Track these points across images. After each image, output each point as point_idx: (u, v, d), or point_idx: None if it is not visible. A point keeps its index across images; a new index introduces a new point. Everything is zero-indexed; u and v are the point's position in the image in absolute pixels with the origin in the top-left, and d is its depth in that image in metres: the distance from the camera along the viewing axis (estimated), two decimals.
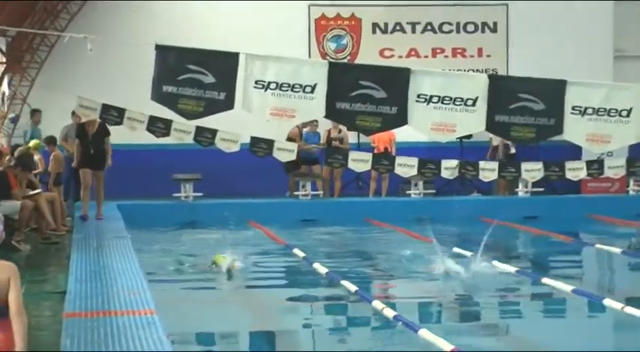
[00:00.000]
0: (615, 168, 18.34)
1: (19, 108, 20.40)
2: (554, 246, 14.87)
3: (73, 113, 17.06)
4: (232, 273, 11.11)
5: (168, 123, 16.36)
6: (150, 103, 16.01)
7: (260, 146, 17.32)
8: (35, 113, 19.07)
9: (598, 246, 14.23)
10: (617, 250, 13.72)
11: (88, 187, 15.45)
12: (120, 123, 16.11)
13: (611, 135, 17.03)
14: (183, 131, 16.54)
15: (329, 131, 19.82)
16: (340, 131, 19.64)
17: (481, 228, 16.91)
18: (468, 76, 19.27)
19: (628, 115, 16.95)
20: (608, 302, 9.29)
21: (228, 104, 16.06)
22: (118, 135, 16.95)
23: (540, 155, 19.51)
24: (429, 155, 18.90)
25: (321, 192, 19.30)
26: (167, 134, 16.50)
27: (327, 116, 16.89)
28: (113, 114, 15.97)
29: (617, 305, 9.07)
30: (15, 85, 20.71)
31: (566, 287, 10.25)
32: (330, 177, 19.76)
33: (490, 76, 18.29)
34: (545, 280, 10.77)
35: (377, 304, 9.29)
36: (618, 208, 18.29)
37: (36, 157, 16.41)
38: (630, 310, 8.85)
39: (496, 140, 20.54)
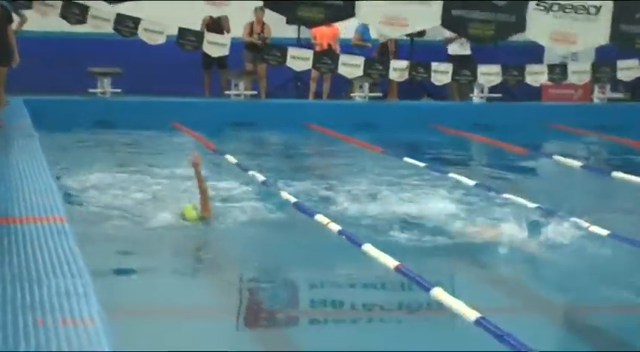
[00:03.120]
0: (579, 73, 18.37)
1: None
2: (510, 158, 14.84)
3: None
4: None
5: (84, 8, 15.89)
6: None
7: (188, 39, 17.00)
8: None
9: (557, 158, 14.22)
10: (577, 163, 13.72)
11: None
12: (29, 7, 15.60)
13: (578, 34, 16.96)
14: (101, 18, 16.14)
15: (251, 24, 19.24)
16: (263, 26, 19.14)
17: (432, 135, 16.97)
18: None
19: (597, 13, 16.86)
20: (574, 220, 9.27)
21: None
22: (29, 21, 16.47)
23: (499, 57, 19.38)
24: (372, 53, 18.74)
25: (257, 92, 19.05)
26: (83, 21, 16.08)
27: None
28: None
29: (584, 224, 9.09)
30: None
31: (528, 203, 10.22)
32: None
33: None
34: (505, 195, 10.73)
35: (320, 218, 9.23)
36: (581, 117, 18.28)
37: None
38: (596, 229, 8.87)
39: (384, 37, 20.02)
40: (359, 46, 19.97)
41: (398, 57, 19.19)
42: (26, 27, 16.60)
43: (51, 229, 6.89)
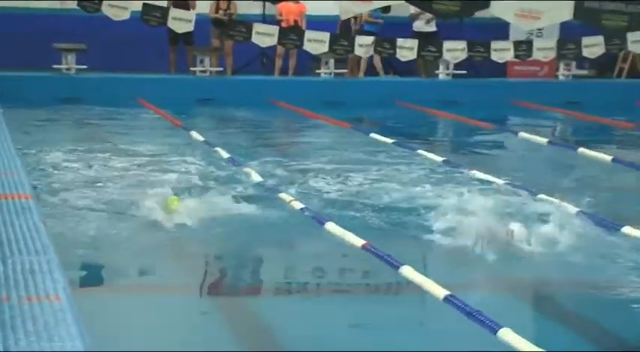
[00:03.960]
0: (545, 49, 18.41)
1: None
2: (476, 134, 14.86)
3: None
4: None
5: None
6: None
7: (153, 15, 16.89)
8: None
9: (522, 134, 14.25)
10: (542, 140, 13.76)
11: None
12: None
13: (542, 10, 16.99)
14: None
15: (217, 1, 19.10)
16: (229, 2, 19.03)
17: (398, 112, 16.98)
18: None
19: None
20: (542, 196, 9.30)
21: None
22: None
23: (464, 33, 19.39)
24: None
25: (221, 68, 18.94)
26: None
27: None
28: None
29: (552, 200, 9.10)
30: None
31: (496, 180, 10.23)
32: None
33: None
34: (473, 172, 10.73)
35: (284, 196, 9.18)
36: (546, 94, 18.36)
37: None
38: (565, 205, 8.87)
39: (347, 13, 19.89)
40: (370, 22, 19.90)
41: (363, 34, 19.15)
42: None
43: (16, 206, 6.80)
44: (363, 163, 11.50)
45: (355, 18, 19.90)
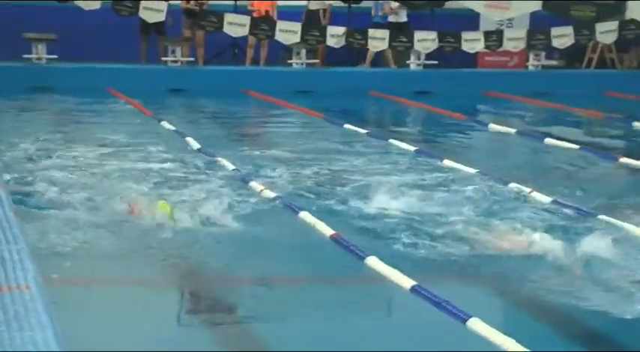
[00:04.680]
0: (515, 40, 18.48)
1: None
2: (447, 124, 14.92)
3: None
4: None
5: None
6: None
7: (124, 4, 16.83)
8: None
9: (492, 125, 14.31)
10: (512, 130, 13.83)
11: None
12: None
13: (512, 1, 17.06)
14: None
15: None
16: None
17: (370, 102, 17.00)
18: None
19: None
20: (512, 184, 9.36)
21: None
22: None
23: (435, 24, 19.43)
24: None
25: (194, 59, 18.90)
26: None
27: None
28: None
29: (523, 189, 9.17)
30: None
31: (467, 168, 10.32)
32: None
33: None
34: (445, 161, 10.79)
35: (255, 185, 9.17)
36: (516, 84, 18.42)
37: None
38: (537, 194, 8.97)
39: (316, 5, 20.04)
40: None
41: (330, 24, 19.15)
42: None
43: None
44: (338, 152, 11.54)
45: (324, 9, 19.89)
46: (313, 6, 19.76)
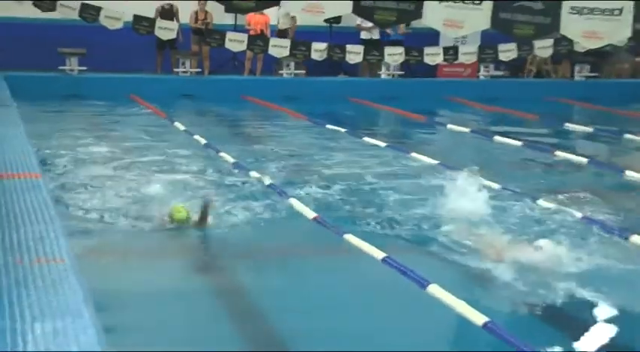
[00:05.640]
0: (468, 54, 18.48)
1: None
2: (413, 125, 14.93)
3: None
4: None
5: None
6: None
7: (142, 24, 16.78)
8: None
9: (450, 125, 14.34)
10: (466, 129, 13.86)
11: None
12: None
13: (465, 21, 17.04)
14: (69, 7, 15.82)
15: (196, 13, 19.08)
16: (206, 14, 18.98)
17: (348, 106, 16.99)
18: None
19: (480, 3, 16.94)
20: (466, 173, 9.34)
21: None
22: (5, 8, 16.05)
23: (402, 40, 19.46)
24: (300, 38, 18.61)
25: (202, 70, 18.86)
26: (53, 9, 15.76)
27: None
28: None
29: (476, 177, 9.15)
30: None
31: (429, 160, 10.35)
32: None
33: None
34: (411, 154, 10.80)
35: (253, 173, 9.17)
36: (470, 91, 18.44)
37: None
38: (486, 182, 8.94)
39: (286, 24, 20.02)
40: (401, 33, 20.15)
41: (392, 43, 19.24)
42: (5, 14, 16.19)
43: (27, 184, 6.76)
44: (321, 147, 11.55)
45: (290, 28, 19.88)
46: (282, 26, 19.82)
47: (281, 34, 19.64)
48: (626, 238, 7.08)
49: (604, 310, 5.61)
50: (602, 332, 5.33)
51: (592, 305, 5.69)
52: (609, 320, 5.50)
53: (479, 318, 5.13)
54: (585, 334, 5.31)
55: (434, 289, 5.59)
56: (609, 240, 7.02)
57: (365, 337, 5.10)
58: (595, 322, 5.48)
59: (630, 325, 5.53)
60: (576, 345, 5.13)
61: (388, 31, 19.75)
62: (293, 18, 19.77)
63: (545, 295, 5.79)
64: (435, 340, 5.24)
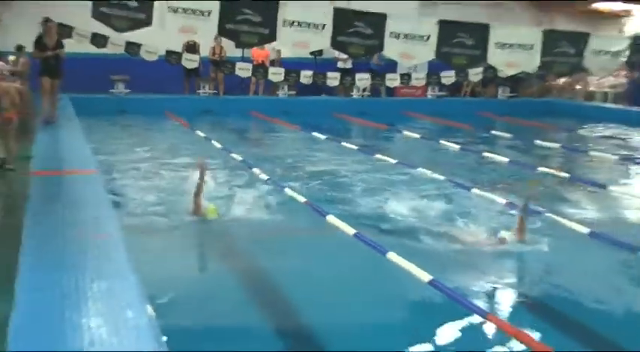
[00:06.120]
0: (419, 79, 18.45)
1: None
2: (377, 132, 14.93)
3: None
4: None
5: (105, 38, 15.44)
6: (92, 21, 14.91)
7: (172, 56, 16.69)
8: None
9: (405, 132, 14.36)
10: (417, 136, 13.88)
11: (47, 92, 13.93)
12: (70, 36, 15.07)
13: (416, 53, 16.98)
14: (117, 44, 15.72)
15: (213, 48, 19.03)
16: (221, 48, 18.94)
17: (330, 120, 16.97)
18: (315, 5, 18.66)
19: (428, 39, 16.91)
20: (420, 170, 9.38)
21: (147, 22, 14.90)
22: (70, 46, 15.89)
23: (369, 68, 19.43)
24: (292, 67, 18.57)
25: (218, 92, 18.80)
26: (105, 46, 15.65)
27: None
28: (66, 31, 14.88)
29: (427, 172, 9.18)
30: None
31: (391, 160, 10.33)
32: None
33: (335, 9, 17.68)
34: (376, 156, 10.79)
35: (257, 171, 9.14)
36: (420, 107, 18.46)
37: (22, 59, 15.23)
38: (436, 176, 8.97)
39: (273, 55, 19.69)
40: (376, 63, 19.91)
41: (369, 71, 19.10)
42: (69, 50, 16.05)
43: (85, 178, 6.77)
44: (309, 150, 11.53)
45: (276, 59, 19.79)
46: (271, 57, 19.78)
47: (270, 63, 19.60)
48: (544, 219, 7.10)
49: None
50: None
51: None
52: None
53: (425, 276, 5.17)
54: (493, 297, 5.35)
55: (392, 256, 5.63)
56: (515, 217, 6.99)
57: (337, 281, 5.13)
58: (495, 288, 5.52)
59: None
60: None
61: (373, 61, 19.66)
62: (278, 51, 19.74)
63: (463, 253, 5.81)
64: (391, 295, 5.28)
